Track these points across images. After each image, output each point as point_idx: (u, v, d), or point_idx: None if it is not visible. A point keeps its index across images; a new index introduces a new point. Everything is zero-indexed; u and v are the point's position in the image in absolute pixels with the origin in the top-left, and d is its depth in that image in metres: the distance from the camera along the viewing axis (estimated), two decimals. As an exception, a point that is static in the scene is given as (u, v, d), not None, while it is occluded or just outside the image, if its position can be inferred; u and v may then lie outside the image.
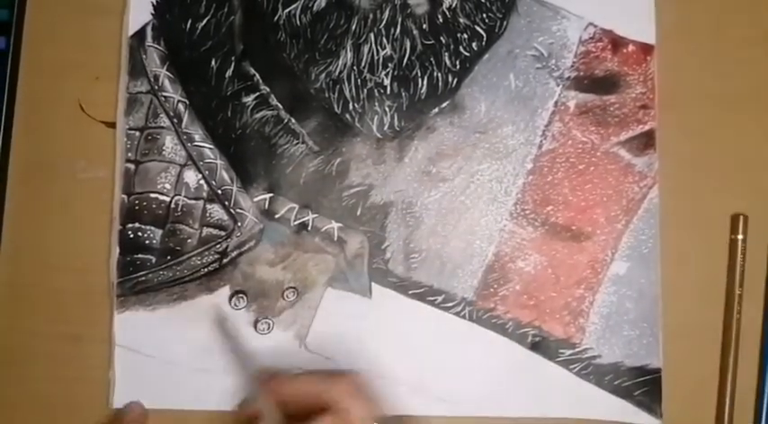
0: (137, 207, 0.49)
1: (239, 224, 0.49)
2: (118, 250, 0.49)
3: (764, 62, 0.49)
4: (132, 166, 0.49)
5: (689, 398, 0.47)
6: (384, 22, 0.49)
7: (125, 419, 0.47)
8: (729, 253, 0.48)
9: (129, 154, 0.49)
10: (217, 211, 0.49)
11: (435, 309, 0.48)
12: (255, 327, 0.48)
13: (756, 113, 0.49)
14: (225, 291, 0.48)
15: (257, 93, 0.50)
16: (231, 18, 0.50)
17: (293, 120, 0.49)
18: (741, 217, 0.48)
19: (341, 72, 0.49)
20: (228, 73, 0.50)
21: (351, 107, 0.49)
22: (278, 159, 0.49)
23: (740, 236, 0.47)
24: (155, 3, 0.50)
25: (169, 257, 0.49)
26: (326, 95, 0.49)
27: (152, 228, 0.49)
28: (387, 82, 0.49)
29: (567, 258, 0.48)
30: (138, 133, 0.50)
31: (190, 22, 0.50)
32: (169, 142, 0.49)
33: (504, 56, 0.49)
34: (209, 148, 0.49)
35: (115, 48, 0.50)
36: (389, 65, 0.49)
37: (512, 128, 0.49)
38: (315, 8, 0.49)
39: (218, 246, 0.49)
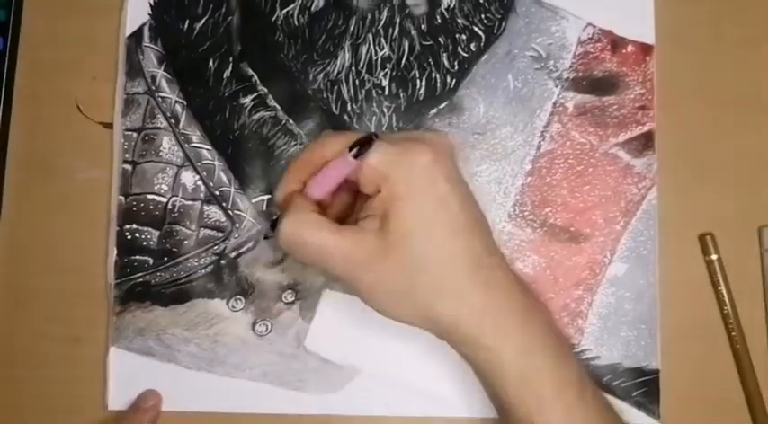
0: (134, 209, 0.49)
1: (237, 225, 0.48)
2: (115, 251, 0.48)
3: (764, 63, 0.49)
4: (129, 167, 0.49)
5: (687, 399, 0.47)
6: (382, 22, 0.49)
7: (140, 407, 0.47)
8: (709, 274, 0.48)
9: (127, 155, 0.49)
10: (214, 212, 0.49)
11: (434, 311, 0.48)
12: (254, 328, 0.48)
13: (756, 114, 0.49)
14: (222, 293, 0.48)
15: (255, 94, 0.49)
16: (229, 18, 0.50)
17: (291, 121, 0.49)
18: (708, 237, 0.47)
19: (339, 72, 0.49)
20: (226, 73, 0.49)
21: (349, 108, 0.49)
22: (276, 160, 0.49)
23: (713, 256, 0.47)
24: (152, 3, 0.50)
25: (166, 258, 0.48)
26: (324, 96, 0.49)
27: (149, 229, 0.49)
28: (385, 82, 0.49)
29: (565, 259, 0.48)
30: (135, 134, 0.49)
31: (187, 22, 0.50)
32: (166, 143, 0.49)
33: (502, 57, 0.49)
34: (207, 149, 0.49)
35: (112, 49, 0.50)
36: (388, 65, 0.49)
37: (510, 129, 0.49)
38: (313, 8, 0.49)
39: (215, 248, 0.48)
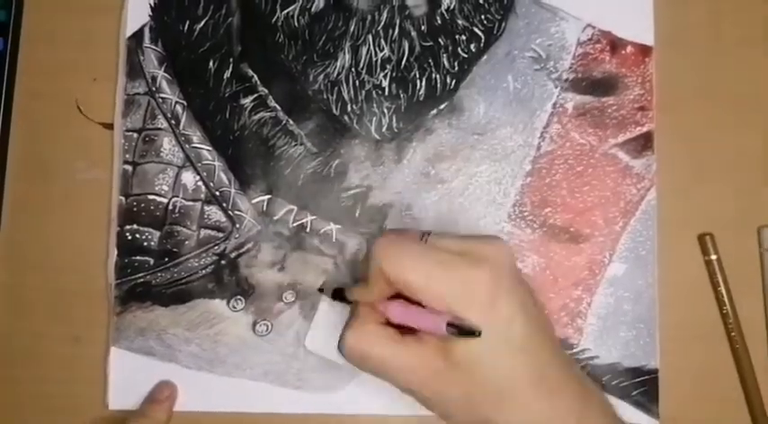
0: (134, 209, 0.49)
1: (237, 225, 0.49)
2: (116, 251, 0.48)
3: (763, 64, 0.49)
4: (130, 168, 0.49)
5: (686, 399, 0.47)
6: (382, 23, 0.49)
7: (156, 398, 0.47)
8: (708, 274, 0.48)
9: (127, 156, 0.49)
10: (215, 213, 0.49)
11: (434, 311, 0.48)
12: (254, 329, 0.48)
13: (755, 114, 0.49)
14: (223, 293, 0.48)
15: (255, 95, 0.50)
16: (229, 19, 0.50)
17: (291, 122, 0.49)
18: (708, 237, 0.48)
19: (339, 73, 0.49)
20: (227, 74, 0.50)
21: (349, 108, 0.49)
22: (276, 161, 0.49)
23: (713, 257, 0.47)
24: (152, 4, 0.50)
25: (167, 259, 0.48)
26: (325, 97, 0.49)
27: (150, 230, 0.49)
28: (385, 83, 0.49)
29: (564, 259, 0.48)
30: (135, 134, 0.49)
31: (188, 23, 0.50)
32: (167, 143, 0.49)
33: (502, 57, 0.49)
34: (208, 150, 0.49)
35: (113, 50, 0.50)
36: (388, 66, 0.49)
37: (510, 129, 0.49)
38: (313, 10, 0.49)
39: (216, 248, 0.48)
